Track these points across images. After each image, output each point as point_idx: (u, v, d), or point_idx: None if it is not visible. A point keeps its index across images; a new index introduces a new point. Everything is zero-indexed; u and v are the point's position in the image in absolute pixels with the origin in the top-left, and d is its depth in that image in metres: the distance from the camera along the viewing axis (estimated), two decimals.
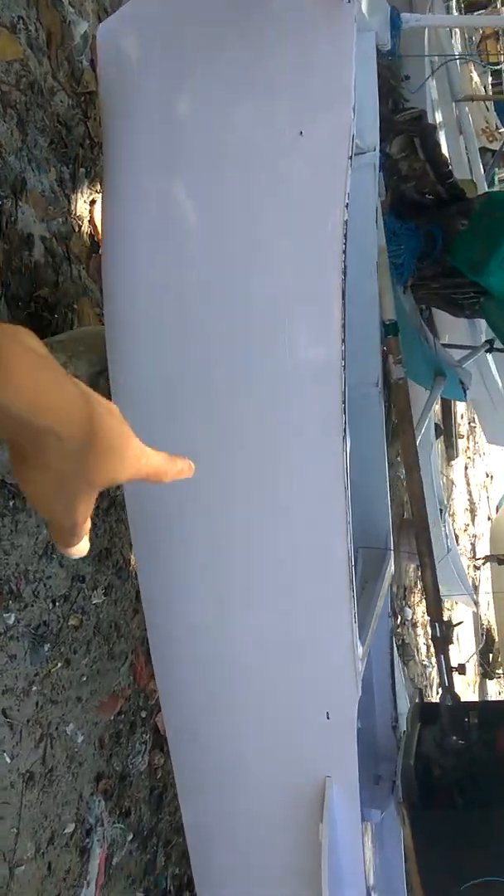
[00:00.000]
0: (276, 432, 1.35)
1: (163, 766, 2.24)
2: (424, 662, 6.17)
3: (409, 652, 5.82)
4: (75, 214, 2.00)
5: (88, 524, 0.59)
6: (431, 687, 5.92)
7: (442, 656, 2.00)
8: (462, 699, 2.10)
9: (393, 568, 1.84)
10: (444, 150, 4.14)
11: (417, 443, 2.76)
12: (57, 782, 1.74)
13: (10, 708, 1.61)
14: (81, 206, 2.03)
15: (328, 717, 1.37)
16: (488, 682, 9.95)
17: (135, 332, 1.39)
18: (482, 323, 4.46)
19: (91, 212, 2.07)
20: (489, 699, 8.87)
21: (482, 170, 5.46)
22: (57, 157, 1.92)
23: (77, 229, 2.00)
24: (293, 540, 1.37)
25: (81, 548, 0.61)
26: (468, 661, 7.77)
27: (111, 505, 2.13)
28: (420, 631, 6.22)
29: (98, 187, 2.06)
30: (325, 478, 1.28)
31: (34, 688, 1.68)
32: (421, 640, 6.18)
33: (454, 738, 1.92)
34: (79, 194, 2.02)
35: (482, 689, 9.82)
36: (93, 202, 2.08)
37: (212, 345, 1.35)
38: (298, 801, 1.43)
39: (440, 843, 1.82)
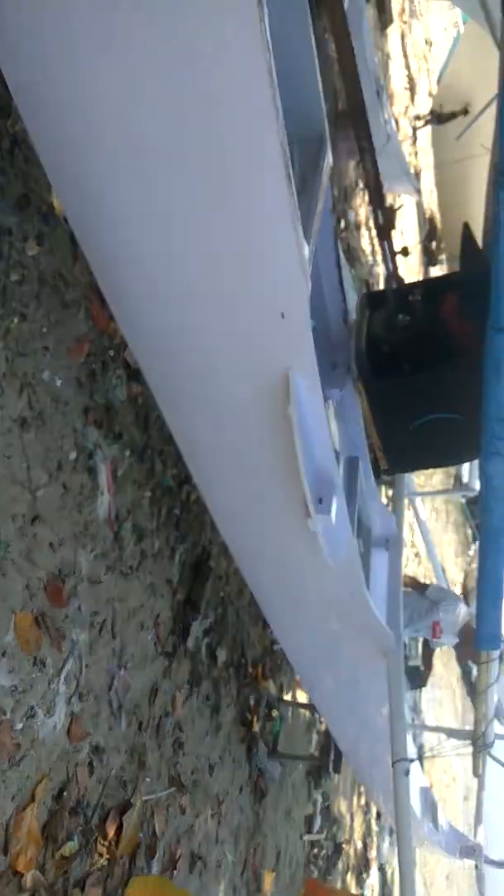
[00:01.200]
0: None
1: (141, 393, 2.44)
2: (370, 261, 6.32)
3: (355, 255, 5.92)
4: None
5: None
6: (378, 283, 6.18)
7: (385, 242, 2.04)
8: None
9: (331, 159, 1.74)
10: None
11: (346, 6, 2.36)
12: (49, 421, 1.91)
13: None
14: None
15: (283, 317, 1.45)
16: (431, 269, 10.38)
17: None
18: None
19: None
20: None
21: None
22: None
23: None
24: (225, 141, 1.26)
25: None
26: (412, 250, 7.97)
27: (14, 144, 1.90)
28: (364, 233, 6.23)
29: None
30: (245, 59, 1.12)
31: None
32: (366, 242, 6.24)
33: (400, 316, 2.07)
34: None
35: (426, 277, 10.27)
36: None
37: None
38: (268, 394, 1.60)
39: (392, 406, 2.11)
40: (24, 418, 1.81)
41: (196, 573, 2.97)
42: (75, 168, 1.47)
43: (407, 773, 2.13)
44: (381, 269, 6.02)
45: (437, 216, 9.53)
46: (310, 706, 4.19)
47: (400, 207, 2.08)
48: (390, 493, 4.05)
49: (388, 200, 6.91)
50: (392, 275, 2.07)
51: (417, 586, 4.12)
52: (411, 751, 2.93)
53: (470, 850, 4.35)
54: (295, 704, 4.10)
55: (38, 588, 1.86)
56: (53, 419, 1.94)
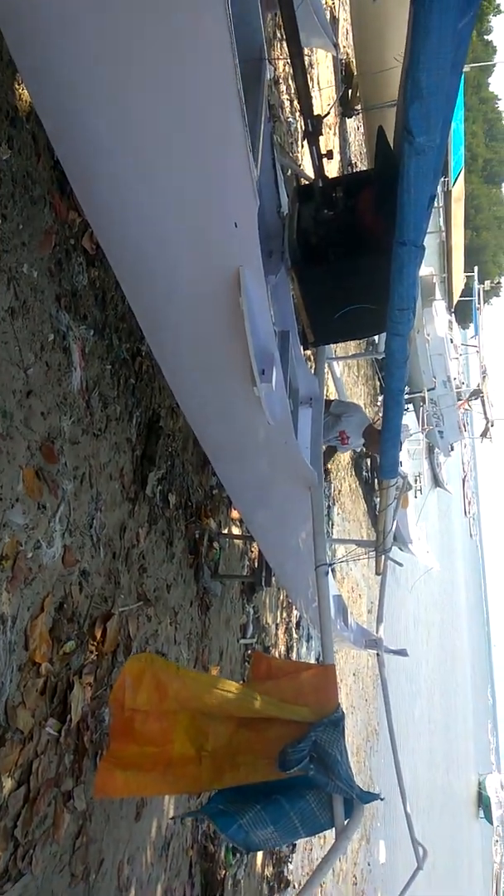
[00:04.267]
0: None
1: (98, 276, 2.73)
2: (289, 119, 6.34)
3: (275, 113, 5.93)
4: None
5: None
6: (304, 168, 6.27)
7: (314, 147, 2.33)
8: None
9: (269, 75, 2.01)
10: None
11: None
12: (31, 309, 2.23)
13: None
14: None
15: (236, 226, 1.81)
16: (347, 120, 10.26)
17: None
18: None
19: None
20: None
21: None
22: None
23: None
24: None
25: None
26: (330, 109, 7.92)
27: None
28: (283, 87, 6.19)
29: None
30: None
31: None
32: (284, 98, 6.21)
33: (325, 210, 2.42)
34: None
35: (342, 129, 10.18)
36: None
37: None
38: (223, 286, 1.98)
39: (319, 290, 2.51)
40: (13, 308, 2.12)
41: (149, 432, 3.43)
42: (49, 59, 1.60)
43: (326, 574, 2.79)
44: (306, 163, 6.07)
45: (353, 61, 9.28)
46: (243, 537, 4.92)
47: (326, 115, 2.27)
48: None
49: (306, 54, 6.79)
50: (318, 174, 2.38)
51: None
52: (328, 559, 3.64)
53: (373, 643, 5.39)
54: (231, 536, 4.80)
55: (35, 448, 2.27)
56: (34, 307, 2.25)
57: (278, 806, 2.36)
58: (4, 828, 2.23)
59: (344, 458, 11.11)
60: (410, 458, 15.99)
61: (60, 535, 2.52)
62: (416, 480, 17.77)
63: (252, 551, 5.30)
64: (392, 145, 2.31)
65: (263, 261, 2.23)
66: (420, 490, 19.18)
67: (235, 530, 5.03)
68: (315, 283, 2.49)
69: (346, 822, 2.33)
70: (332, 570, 6.33)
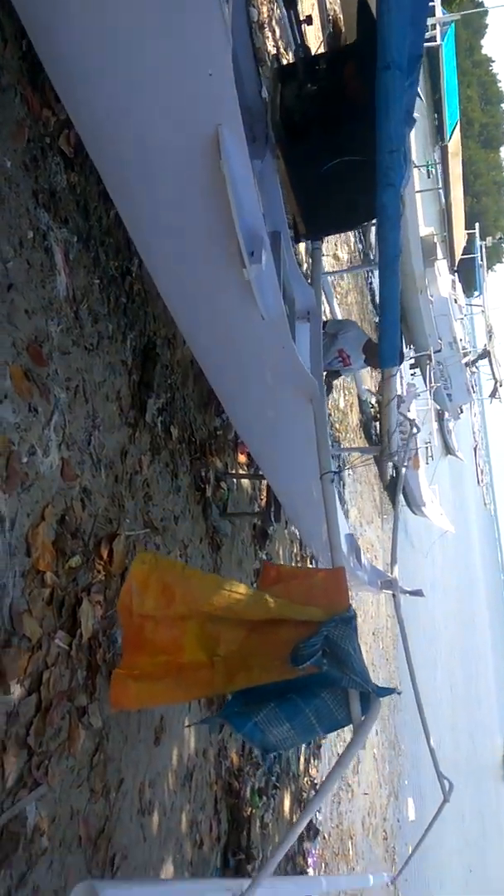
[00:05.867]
0: None
1: (78, 182, 2.65)
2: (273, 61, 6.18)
3: (260, 56, 5.79)
4: None
5: None
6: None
7: (291, 11, 2.23)
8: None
9: None
10: None
11: None
12: (7, 201, 2.16)
13: None
14: None
15: (211, 75, 1.72)
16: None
17: None
18: None
19: None
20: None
21: None
22: None
23: None
24: None
25: None
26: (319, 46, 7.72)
27: None
28: (268, 34, 6.03)
29: None
30: None
31: None
32: (270, 43, 6.06)
33: (308, 85, 2.33)
34: None
35: None
36: None
37: None
38: (202, 152, 1.90)
39: (308, 171, 2.41)
40: None
41: (146, 358, 3.36)
42: None
43: (332, 481, 2.72)
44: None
45: (341, 18, 9.04)
46: (252, 477, 4.86)
47: None
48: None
49: None
50: (300, 44, 2.28)
51: None
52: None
53: (388, 584, 5.33)
54: (239, 476, 4.74)
55: (22, 347, 2.20)
56: (10, 199, 2.17)
57: (293, 703, 2.32)
58: (17, 735, 2.19)
59: (353, 419, 11.01)
60: (420, 423, 15.87)
61: (56, 445, 2.47)
62: (426, 447, 17.64)
63: (261, 494, 5.24)
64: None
65: (248, 145, 2.14)
66: (431, 457, 19.05)
67: (245, 480, 4.98)
68: (302, 161, 2.39)
69: (362, 718, 2.28)
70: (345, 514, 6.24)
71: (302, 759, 6.27)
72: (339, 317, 6.07)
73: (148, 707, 2.96)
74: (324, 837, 6.89)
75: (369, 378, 10.86)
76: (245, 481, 4.96)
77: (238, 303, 2.38)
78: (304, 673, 2.32)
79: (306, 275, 3.58)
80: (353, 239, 10.51)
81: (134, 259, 3.14)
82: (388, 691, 2.37)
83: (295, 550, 6.71)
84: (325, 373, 4.42)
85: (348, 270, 9.19)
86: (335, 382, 5.39)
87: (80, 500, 2.66)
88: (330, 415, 8.39)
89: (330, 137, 2.32)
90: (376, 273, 2.52)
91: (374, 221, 2.35)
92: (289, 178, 2.41)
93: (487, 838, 27.56)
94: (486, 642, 43.84)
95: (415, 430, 6.14)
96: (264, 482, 4.99)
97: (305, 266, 5.67)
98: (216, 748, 4.07)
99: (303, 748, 6.36)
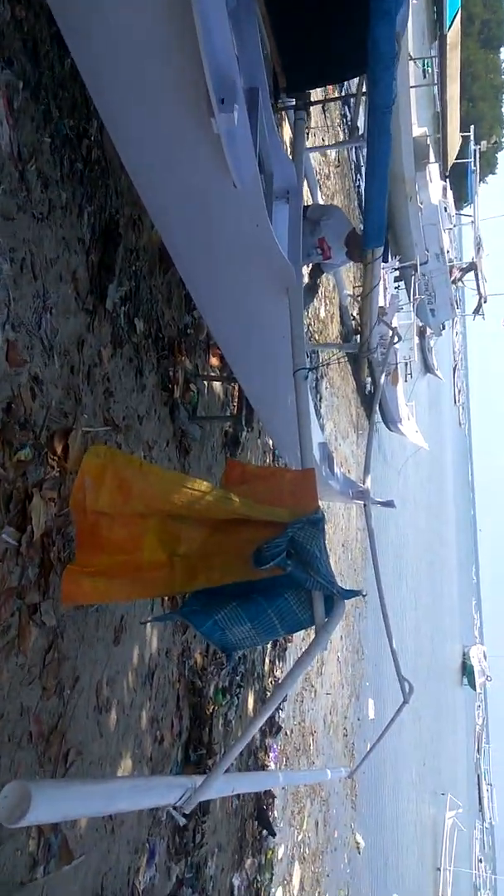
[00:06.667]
0: None
1: (26, 20, 2.28)
2: None
3: None
4: None
5: None
6: None
7: None
8: None
9: None
10: None
11: None
12: None
13: None
14: None
15: None
16: None
17: None
18: None
19: None
20: None
21: None
22: None
23: None
24: None
25: None
26: None
27: None
28: None
29: None
30: None
31: None
32: None
33: None
34: None
35: None
36: None
37: None
38: None
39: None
40: None
41: (106, 238, 3.05)
42: None
43: (305, 378, 2.52)
44: None
45: None
46: (223, 378, 4.64)
47: None
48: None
49: None
50: None
51: None
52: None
53: (360, 494, 5.25)
54: (209, 378, 4.52)
55: None
56: None
57: (255, 604, 2.22)
58: None
59: (333, 331, 10.70)
60: (401, 338, 15.54)
61: (0, 325, 2.22)
62: (406, 363, 17.42)
63: (234, 400, 5.05)
64: None
65: None
66: (410, 374, 18.87)
67: (216, 383, 4.75)
68: None
69: (325, 619, 2.19)
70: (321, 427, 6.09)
71: (267, 660, 6.40)
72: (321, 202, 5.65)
73: (102, 603, 2.86)
74: (286, 734, 7.15)
75: (351, 286, 10.46)
76: (217, 385, 4.75)
77: (207, 166, 2.09)
78: (268, 574, 2.21)
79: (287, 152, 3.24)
80: (338, 119, 9.77)
81: (93, 120, 2.79)
82: (352, 593, 2.28)
83: (268, 461, 6.59)
84: (307, 266, 4.12)
85: (334, 146, 8.64)
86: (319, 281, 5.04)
87: (30, 388, 2.44)
88: (309, 324, 8.09)
89: None
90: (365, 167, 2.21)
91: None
92: (268, 19, 2.07)
93: (441, 737, 29.47)
94: (451, 557, 45.38)
95: (396, 339, 5.92)
96: (237, 386, 4.78)
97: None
98: (180, 648, 4.06)
99: (268, 650, 6.48)
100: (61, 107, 2.56)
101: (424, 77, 15.31)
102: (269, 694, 6.54)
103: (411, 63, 12.44)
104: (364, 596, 2.24)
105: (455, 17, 13.12)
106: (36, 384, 2.48)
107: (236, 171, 2.07)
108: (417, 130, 14.15)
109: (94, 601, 2.54)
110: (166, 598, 3.50)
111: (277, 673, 6.86)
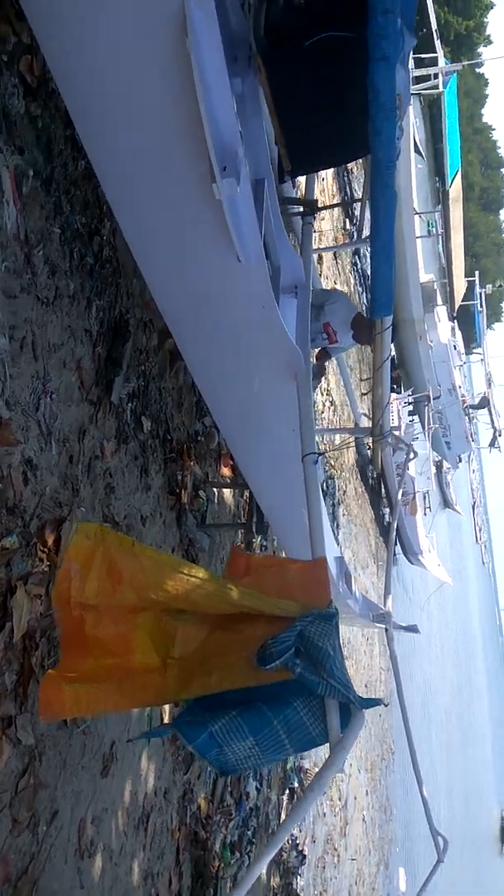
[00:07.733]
0: None
1: (40, 116, 2.38)
2: None
3: None
4: None
5: None
6: None
7: None
8: None
9: None
10: None
11: None
12: None
13: None
14: None
15: None
16: None
17: None
18: None
19: None
20: None
21: None
22: None
23: None
24: None
25: None
26: None
27: None
28: None
29: None
30: None
31: None
32: None
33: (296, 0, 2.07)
34: None
35: None
36: None
37: None
38: (168, 33, 1.61)
39: (291, 83, 2.12)
40: None
41: (115, 335, 3.04)
42: None
43: (315, 462, 2.35)
44: None
45: None
46: (234, 486, 4.47)
47: None
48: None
49: None
50: None
51: None
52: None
53: (381, 617, 4.89)
54: (220, 486, 4.36)
55: None
56: None
57: (259, 713, 1.89)
58: None
59: (349, 458, 10.65)
60: (418, 475, 15.46)
61: None
62: (424, 496, 17.25)
63: (245, 509, 4.85)
64: None
65: (227, 65, 1.87)
66: (429, 507, 18.62)
67: (226, 491, 4.60)
68: (287, 80, 2.11)
69: (341, 734, 1.85)
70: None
71: (283, 813, 5.68)
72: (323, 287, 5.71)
73: (84, 716, 2.50)
74: None
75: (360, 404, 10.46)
76: (227, 493, 4.58)
77: (211, 237, 2.06)
78: (273, 678, 1.91)
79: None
80: (341, 220, 10.16)
81: (106, 221, 2.86)
82: (373, 702, 1.95)
83: None
84: (314, 352, 4.06)
85: (339, 248, 8.83)
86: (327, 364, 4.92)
87: (22, 471, 2.29)
88: (321, 411, 7.94)
89: (320, 53, 2.05)
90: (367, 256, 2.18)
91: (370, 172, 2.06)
92: (273, 102, 2.14)
93: None
94: (483, 709, 42.37)
95: (412, 454, 5.79)
96: (248, 494, 4.61)
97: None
98: (181, 790, 3.57)
99: (283, 802, 5.77)
100: (73, 203, 2.63)
101: (429, 235, 16.44)
102: (285, 855, 5.75)
103: (417, 217, 13.39)
104: (386, 706, 1.90)
105: (455, 175, 14.28)
106: (29, 468, 2.33)
107: (239, 242, 2.03)
108: (424, 276, 14.95)
109: (75, 713, 2.21)
110: (165, 715, 3.12)
111: (295, 831, 6.07)
